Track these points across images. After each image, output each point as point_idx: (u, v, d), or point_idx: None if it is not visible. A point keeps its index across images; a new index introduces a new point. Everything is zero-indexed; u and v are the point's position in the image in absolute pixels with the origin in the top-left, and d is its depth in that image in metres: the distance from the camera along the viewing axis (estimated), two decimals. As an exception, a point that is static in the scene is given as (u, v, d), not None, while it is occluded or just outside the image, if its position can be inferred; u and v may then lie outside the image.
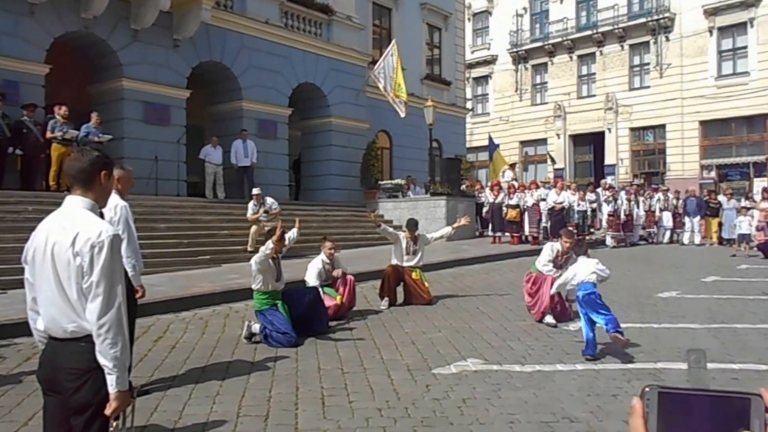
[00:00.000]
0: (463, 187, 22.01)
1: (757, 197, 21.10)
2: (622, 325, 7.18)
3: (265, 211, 14.94)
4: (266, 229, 12.75)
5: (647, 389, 0.90)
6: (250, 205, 15.21)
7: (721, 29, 33.74)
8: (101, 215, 3.10)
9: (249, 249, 14.16)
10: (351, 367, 6.57)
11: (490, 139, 24.10)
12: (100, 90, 17.25)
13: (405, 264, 10.37)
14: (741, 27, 33.16)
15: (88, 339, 2.80)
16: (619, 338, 6.86)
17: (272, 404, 5.43)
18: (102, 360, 2.75)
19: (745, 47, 33.01)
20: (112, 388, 2.75)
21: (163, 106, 17.50)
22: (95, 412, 2.80)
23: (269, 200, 15.38)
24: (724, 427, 0.86)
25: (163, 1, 16.31)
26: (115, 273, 2.81)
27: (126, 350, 2.81)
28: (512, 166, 25.36)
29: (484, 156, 36.76)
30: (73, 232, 2.78)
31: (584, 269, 7.45)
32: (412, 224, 10.68)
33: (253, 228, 14.69)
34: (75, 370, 2.82)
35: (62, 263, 2.80)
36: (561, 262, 9.03)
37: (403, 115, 22.39)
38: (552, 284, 8.66)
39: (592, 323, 7.01)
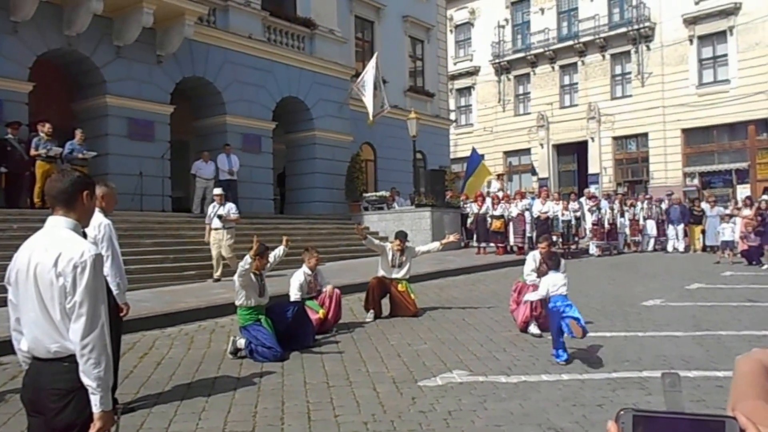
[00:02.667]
0: (448, 197, 22.08)
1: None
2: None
3: (219, 216, 13.70)
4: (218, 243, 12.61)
5: (622, 413, 0.90)
6: (210, 207, 14.32)
7: (701, 38, 34.09)
8: (84, 235, 3.11)
9: (216, 276, 13.64)
10: (337, 380, 6.57)
11: (474, 151, 24.16)
12: (84, 107, 17.20)
13: (391, 276, 10.38)
14: (721, 35, 33.52)
15: (71, 359, 2.80)
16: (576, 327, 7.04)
17: (258, 419, 5.43)
18: (85, 380, 2.75)
19: (725, 55, 33.36)
20: (96, 408, 2.75)
21: (147, 121, 17.49)
22: (79, 432, 2.80)
23: (229, 205, 14.12)
24: None
25: (146, 18, 16.31)
26: (98, 293, 2.82)
27: (109, 370, 2.82)
28: (500, 176, 25.46)
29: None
30: (55, 253, 2.80)
31: (552, 282, 7.58)
32: (402, 235, 10.68)
33: (212, 241, 13.71)
34: (58, 391, 2.82)
35: (45, 284, 2.81)
36: (545, 270, 9.07)
37: (369, 123, 22.54)
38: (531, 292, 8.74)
39: (560, 333, 7.19)
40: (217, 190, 14.50)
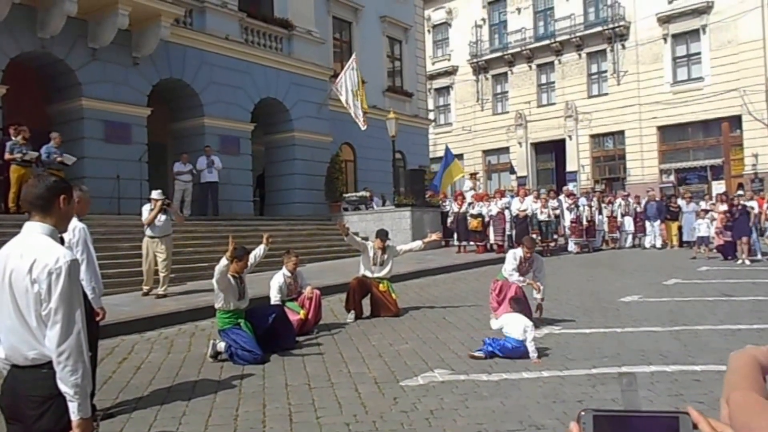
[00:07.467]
0: (427, 197, 22.10)
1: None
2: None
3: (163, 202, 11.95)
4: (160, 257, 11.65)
5: (583, 413, 0.94)
6: (146, 208, 12.13)
7: (674, 36, 34.55)
8: (61, 240, 3.08)
9: (145, 288, 11.86)
10: (318, 382, 6.56)
11: (447, 149, 24.24)
12: (59, 110, 17.04)
13: (373, 275, 10.37)
14: (694, 34, 33.97)
15: (49, 366, 2.77)
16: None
17: (239, 423, 5.40)
18: (63, 387, 2.72)
19: (699, 53, 33.83)
20: (74, 415, 2.73)
21: (123, 124, 17.34)
22: (58, 439, 2.78)
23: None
24: None
25: (121, 20, 16.18)
26: (73, 299, 2.79)
27: (87, 377, 2.79)
28: (473, 175, 25.49)
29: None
30: (30, 259, 2.77)
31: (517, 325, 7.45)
32: (383, 234, 10.69)
33: (144, 252, 11.89)
34: (36, 398, 2.80)
35: (20, 291, 2.78)
36: (525, 269, 9.13)
37: (363, 127, 22.46)
38: (516, 291, 8.75)
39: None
40: (155, 194, 12.20)
